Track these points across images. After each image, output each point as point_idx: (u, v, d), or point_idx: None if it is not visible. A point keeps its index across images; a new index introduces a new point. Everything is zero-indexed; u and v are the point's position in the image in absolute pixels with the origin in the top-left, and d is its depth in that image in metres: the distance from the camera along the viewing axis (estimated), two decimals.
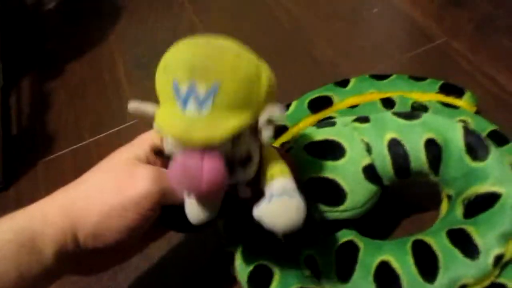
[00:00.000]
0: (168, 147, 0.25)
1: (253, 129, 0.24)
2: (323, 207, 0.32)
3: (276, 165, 0.26)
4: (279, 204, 0.24)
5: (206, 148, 0.23)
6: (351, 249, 0.32)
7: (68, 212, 0.27)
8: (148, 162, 0.29)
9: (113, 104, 0.57)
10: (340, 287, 0.31)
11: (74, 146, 0.54)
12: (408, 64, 0.54)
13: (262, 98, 0.24)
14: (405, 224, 0.39)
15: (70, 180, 0.49)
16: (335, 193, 0.32)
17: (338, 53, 0.58)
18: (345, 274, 0.31)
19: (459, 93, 0.43)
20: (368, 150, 0.33)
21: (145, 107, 0.25)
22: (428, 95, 0.43)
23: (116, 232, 0.27)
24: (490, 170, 0.31)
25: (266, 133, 0.24)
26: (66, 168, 0.52)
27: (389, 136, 0.33)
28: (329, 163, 0.32)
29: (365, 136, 0.33)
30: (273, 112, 0.23)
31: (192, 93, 0.22)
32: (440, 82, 0.44)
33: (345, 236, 0.33)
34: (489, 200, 0.30)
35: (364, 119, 0.34)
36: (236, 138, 0.24)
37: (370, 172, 0.32)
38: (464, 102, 0.42)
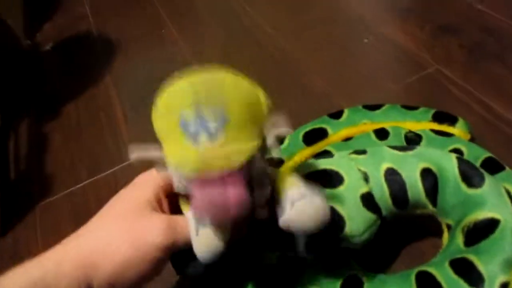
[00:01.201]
0: (180, 184, 0.26)
1: (262, 148, 0.25)
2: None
3: (287, 178, 0.27)
4: (303, 206, 0.25)
5: (225, 174, 0.23)
6: (356, 284, 0.32)
7: (82, 264, 0.27)
8: (158, 203, 0.30)
9: (109, 145, 0.57)
10: None
11: (71, 189, 0.53)
12: (400, 93, 0.54)
13: (265, 116, 0.25)
14: (405, 257, 0.38)
15: (67, 224, 0.50)
16: (334, 220, 0.31)
17: (329, 84, 0.58)
18: None
19: (452, 121, 0.43)
20: (366, 179, 0.33)
21: (148, 151, 0.25)
22: (421, 124, 0.43)
23: (130, 281, 0.27)
24: (486, 196, 0.31)
25: (276, 149, 0.25)
26: (63, 211, 0.51)
27: (385, 166, 0.33)
28: (328, 191, 0.32)
29: (362, 166, 0.33)
30: (279, 126, 0.25)
31: (202, 126, 0.22)
32: (433, 111, 0.44)
33: (348, 271, 0.32)
34: (488, 227, 0.30)
35: (361, 152, 0.35)
36: (251, 159, 0.24)
37: (368, 200, 0.32)
38: (457, 130, 0.42)
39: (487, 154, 0.39)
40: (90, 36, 0.82)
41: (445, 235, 0.34)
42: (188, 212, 0.28)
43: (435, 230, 0.38)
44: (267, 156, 0.26)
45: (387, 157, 0.34)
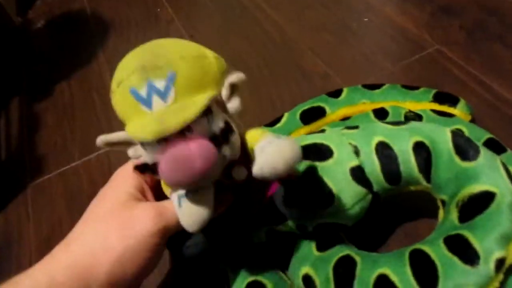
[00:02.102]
0: (149, 157, 0.25)
1: (222, 105, 0.25)
2: (310, 210, 0.31)
3: (257, 136, 0.27)
4: (272, 149, 0.25)
5: (185, 134, 0.23)
6: (348, 264, 0.31)
7: (76, 272, 0.26)
8: (141, 194, 0.29)
9: (102, 125, 0.57)
10: None
11: (63, 169, 0.53)
12: (400, 73, 0.54)
13: (217, 73, 0.25)
14: (400, 236, 0.38)
15: (59, 204, 0.49)
16: (323, 194, 0.31)
17: (328, 65, 0.57)
18: None
19: (453, 102, 0.42)
20: (356, 152, 0.32)
21: (114, 134, 0.25)
22: (421, 104, 0.42)
23: (131, 276, 0.27)
24: (481, 169, 0.30)
25: (234, 102, 0.25)
26: (55, 191, 0.50)
27: (376, 139, 0.33)
28: (317, 164, 0.31)
29: (352, 140, 0.33)
30: (232, 77, 0.25)
31: (152, 91, 0.23)
32: (434, 91, 0.43)
33: (341, 251, 0.32)
34: (484, 201, 0.29)
35: (352, 127, 0.34)
36: (208, 114, 0.24)
37: (358, 173, 0.32)
38: (458, 111, 0.41)
39: (488, 135, 0.38)
40: (84, 14, 0.80)
41: (441, 212, 0.33)
42: (170, 190, 0.28)
43: (430, 209, 0.37)
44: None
45: (378, 131, 0.33)
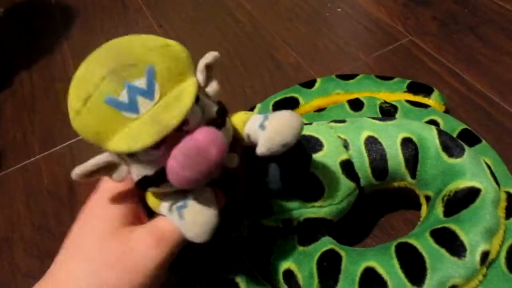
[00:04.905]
0: (146, 168, 0.22)
1: (203, 92, 0.23)
2: (300, 203, 0.30)
3: (240, 116, 0.26)
4: (276, 120, 0.24)
5: (183, 129, 0.21)
6: (333, 258, 0.30)
7: None
8: (134, 216, 0.25)
9: (65, 117, 0.53)
10: None
11: (23, 163, 0.50)
12: (373, 64, 0.53)
13: (186, 58, 0.22)
14: (377, 232, 0.37)
15: (19, 200, 0.47)
16: (312, 187, 0.30)
17: (301, 56, 0.56)
18: (328, 286, 0.29)
19: (427, 92, 0.42)
20: (345, 146, 0.32)
21: (91, 161, 0.21)
22: (396, 94, 0.41)
23: None
24: (467, 166, 0.31)
25: (212, 85, 0.23)
26: (15, 187, 0.47)
27: (366, 134, 0.32)
28: (306, 156, 0.30)
29: (341, 134, 0.32)
30: (206, 58, 0.23)
31: (135, 92, 0.20)
32: (408, 81, 0.42)
33: (324, 245, 0.31)
34: (469, 196, 0.30)
35: (339, 121, 0.34)
36: (198, 101, 0.22)
37: (347, 167, 0.31)
38: (432, 101, 0.41)
39: (463, 126, 0.38)
40: (46, 1, 0.76)
41: (424, 208, 0.33)
42: (161, 204, 0.25)
43: (407, 204, 0.37)
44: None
45: (367, 126, 0.33)
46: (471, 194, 0.30)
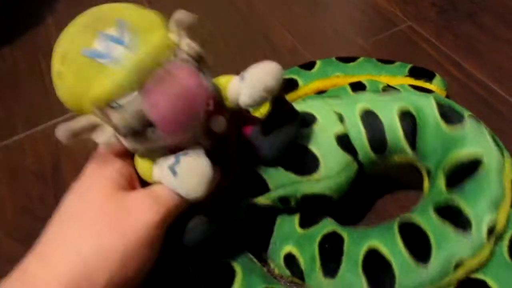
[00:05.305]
0: (131, 119, 0.21)
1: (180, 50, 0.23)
2: (295, 177, 0.29)
3: (224, 78, 0.26)
4: (255, 69, 0.25)
5: (162, 71, 0.21)
6: (335, 240, 0.29)
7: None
8: (127, 181, 0.25)
9: (50, 94, 0.51)
10: (324, 284, 0.28)
11: (5, 142, 0.47)
12: (371, 49, 0.52)
13: (160, 19, 0.23)
14: (379, 210, 0.37)
15: (1, 181, 0.44)
16: (307, 160, 0.29)
17: (297, 39, 0.55)
18: (331, 269, 0.28)
19: (429, 77, 0.41)
20: (341, 120, 0.31)
21: (76, 120, 0.22)
22: (397, 79, 0.40)
23: (133, 276, 0.23)
24: (467, 134, 0.30)
25: (191, 46, 0.23)
26: None
27: (361, 107, 0.32)
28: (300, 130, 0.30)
29: (336, 108, 0.31)
30: (176, 15, 0.23)
31: (108, 39, 0.21)
32: (409, 66, 0.42)
33: (325, 227, 0.30)
34: (471, 165, 0.29)
35: (335, 97, 0.33)
36: (176, 53, 0.22)
37: (343, 140, 0.30)
38: (434, 86, 0.40)
39: (468, 113, 0.37)
40: None
41: (426, 181, 0.32)
42: (153, 172, 0.24)
43: (417, 182, 0.36)
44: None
45: (362, 99, 0.32)
46: (473, 164, 0.29)
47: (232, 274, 0.29)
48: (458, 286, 0.27)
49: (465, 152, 0.30)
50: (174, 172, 0.23)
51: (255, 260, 0.31)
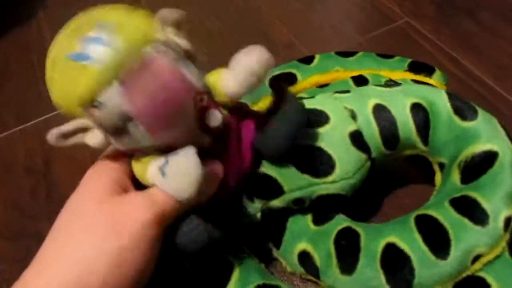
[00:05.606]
0: (115, 115, 0.21)
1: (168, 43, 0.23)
2: (311, 180, 0.29)
3: (217, 71, 0.25)
4: (241, 57, 0.24)
5: (143, 68, 0.21)
6: (351, 236, 0.29)
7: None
8: (122, 187, 0.25)
9: (41, 88, 0.50)
10: (341, 281, 0.28)
11: None
12: (368, 45, 0.52)
13: (151, 20, 0.23)
14: (390, 204, 0.36)
15: None
16: (323, 162, 0.29)
17: (295, 35, 0.54)
18: (348, 265, 0.28)
19: (428, 71, 0.40)
20: (353, 117, 0.30)
21: (67, 124, 0.22)
22: (396, 73, 0.40)
23: (131, 279, 0.23)
24: (481, 129, 0.30)
25: (170, 38, 0.23)
26: None
27: (373, 102, 0.31)
28: (313, 131, 0.29)
29: (347, 104, 0.31)
30: (162, 12, 0.23)
31: (88, 41, 0.21)
32: (409, 60, 0.41)
33: (340, 223, 0.30)
34: (486, 160, 0.29)
35: (344, 91, 0.32)
36: (159, 45, 0.22)
37: (357, 138, 0.30)
38: (434, 81, 0.40)
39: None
40: None
41: (438, 175, 0.32)
42: (148, 173, 0.24)
43: (416, 176, 0.36)
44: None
45: (373, 94, 0.31)
46: (489, 158, 0.29)
47: (229, 269, 0.29)
48: (458, 284, 0.27)
49: (480, 147, 0.29)
50: (163, 173, 0.23)
51: (252, 256, 0.31)
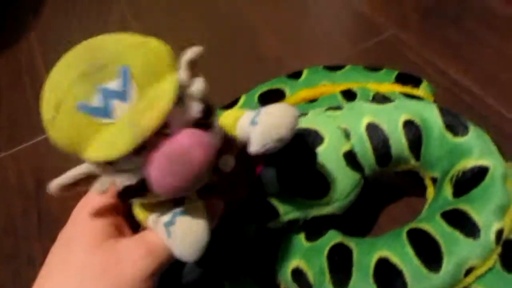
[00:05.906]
0: (128, 176, 0.20)
1: (187, 91, 0.21)
2: (306, 203, 0.29)
3: (231, 114, 0.25)
4: (268, 114, 0.23)
5: (164, 132, 0.19)
6: (344, 251, 0.29)
7: None
8: (117, 229, 0.24)
9: (32, 112, 0.50)
10: None
11: None
12: (357, 57, 0.52)
13: (167, 55, 0.20)
14: (381, 219, 0.37)
15: None
16: (318, 184, 0.29)
17: (284, 47, 0.55)
18: (342, 280, 0.28)
19: (416, 83, 0.41)
20: (347, 136, 0.31)
21: (69, 173, 0.20)
22: (384, 85, 0.40)
23: None
24: (473, 144, 0.30)
25: (197, 83, 0.21)
26: None
27: (366, 120, 0.31)
28: (308, 152, 0.29)
29: (341, 123, 0.31)
30: (188, 54, 0.21)
31: (108, 95, 0.18)
32: (396, 72, 0.41)
33: (332, 239, 0.30)
34: (478, 174, 0.30)
35: (336, 108, 0.32)
36: (179, 101, 0.20)
37: (351, 158, 0.30)
38: (421, 92, 0.40)
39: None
40: None
41: (430, 189, 0.33)
42: (149, 217, 0.23)
43: (408, 190, 0.36)
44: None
45: (367, 111, 0.31)
46: (480, 173, 0.29)
47: None
48: None
49: (472, 162, 0.30)
50: (168, 233, 0.22)
51: (248, 278, 0.31)
